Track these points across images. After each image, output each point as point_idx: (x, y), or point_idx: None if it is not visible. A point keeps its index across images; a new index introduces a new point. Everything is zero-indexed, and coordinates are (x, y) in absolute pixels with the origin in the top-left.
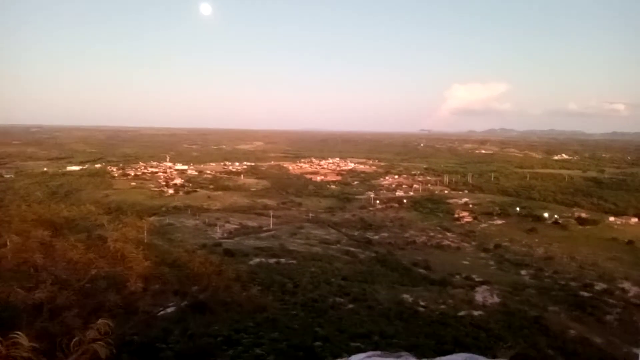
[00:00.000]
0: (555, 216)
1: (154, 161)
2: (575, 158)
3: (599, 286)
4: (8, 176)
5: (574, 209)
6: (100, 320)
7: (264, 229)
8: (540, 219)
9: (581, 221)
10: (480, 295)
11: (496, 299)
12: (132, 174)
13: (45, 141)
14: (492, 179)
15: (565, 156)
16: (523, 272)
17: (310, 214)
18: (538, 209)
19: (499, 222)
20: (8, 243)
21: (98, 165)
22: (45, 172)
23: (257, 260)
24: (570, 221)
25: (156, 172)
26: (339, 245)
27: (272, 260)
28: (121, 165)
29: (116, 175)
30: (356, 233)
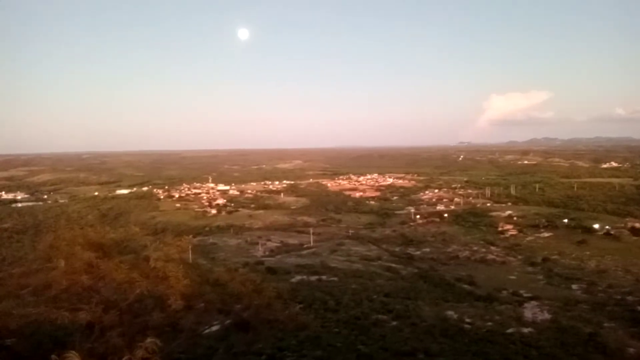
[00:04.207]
0: (607, 227)
1: (197, 182)
2: (625, 165)
3: None
4: (62, 201)
5: (627, 219)
6: (148, 339)
7: (305, 246)
8: (591, 230)
9: (635, 232)
10: (530, 311)
11: (547, 315)
12: (177, 196)
13: (95, 167)
14: (537, 190)
15: (614, 164)
16: (574, 286)
17: (350, 231)
18: (587, 219)
19: (546, 234)
20: (62, 265)
21: (145, 188)
22: (96, 196)
23: (298, 277)
24: (623, 232)
25: (199, 193)
26: (380, 262)
27: (313, 278)
28: (166, 187)
29: (162, 197)
30: (397, 249)
